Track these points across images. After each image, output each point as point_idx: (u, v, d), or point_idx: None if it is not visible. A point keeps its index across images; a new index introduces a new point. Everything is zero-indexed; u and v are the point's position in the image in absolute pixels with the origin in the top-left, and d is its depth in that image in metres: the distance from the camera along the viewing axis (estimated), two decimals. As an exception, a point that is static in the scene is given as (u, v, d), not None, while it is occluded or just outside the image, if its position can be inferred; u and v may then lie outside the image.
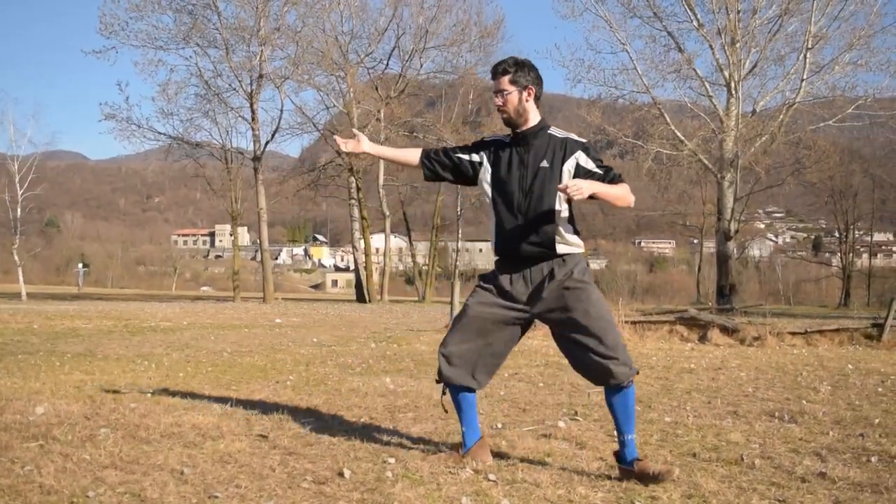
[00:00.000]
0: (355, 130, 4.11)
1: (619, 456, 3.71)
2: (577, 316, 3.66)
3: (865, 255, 59.42)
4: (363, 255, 37.25)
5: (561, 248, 3.75)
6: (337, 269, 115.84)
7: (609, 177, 3.74)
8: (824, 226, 76.09)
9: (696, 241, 66.01)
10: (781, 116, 26.55)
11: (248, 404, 5.50)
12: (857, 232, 52.87)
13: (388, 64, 38.70)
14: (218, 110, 35.20)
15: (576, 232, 3.84)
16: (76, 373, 7.14)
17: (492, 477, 3.62)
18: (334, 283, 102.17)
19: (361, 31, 37.88)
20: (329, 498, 3.30)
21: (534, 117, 3.82)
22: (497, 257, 3.92)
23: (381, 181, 38.42)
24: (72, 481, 3.43)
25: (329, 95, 37.61)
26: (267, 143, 35.72)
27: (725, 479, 3.67)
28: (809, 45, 25.61)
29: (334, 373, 7.62)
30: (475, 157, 3.95)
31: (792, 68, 26.77)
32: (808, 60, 25.78)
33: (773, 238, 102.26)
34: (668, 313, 13.75)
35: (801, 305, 45.53)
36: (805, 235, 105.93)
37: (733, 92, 26.51)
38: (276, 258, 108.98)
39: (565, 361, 7.12)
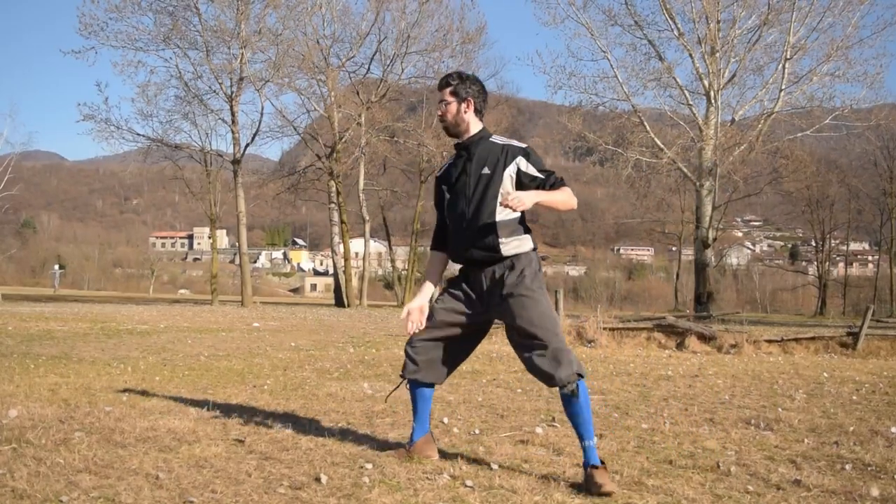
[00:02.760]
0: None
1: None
2: (522, 323, 3.77)
3: (841, 265, 59.99)
4: (342, 260, 37.11)
5: (506, 250, 3.86)
6: (316, 273, 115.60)
7: (550, 181, 3.85)
8: (801, 235, 76.74)
9: (674, 249, 66.42)
10: (760, 126, 26.75)
11: (225, 408, 5.47)
12: (833, 241, 53.33)
13: (369, 68, 38.62)
14: (198, 112, 34.98)
15: (526, 231, 3.95)
16: (51, 375, 7.08)
17: (469, 483, 3.61)
18: (313, 287, 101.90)
19: (343, 35, 37.81)
20: (305, 503, 3.29)
21: (474, 127, 4.00)
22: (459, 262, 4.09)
23: (361, 185, 38.33)
24: (45, 485, 3.39)
25: (310, 99, 37.48)
26: (247, 145, 35.54)
27: (701, 486, 3.69)
28: (788, 56, 25.84)
29: (312, 377, 7.59)
30: (442, 194, 4.13)
31: (771, 78, 27.01)
32: (786, 71, 26.02)
33: (751, 246, 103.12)
34: (646, 320, 13.82)
35: (777, 314, 45.87)
36: (782, 244, 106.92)
37: (713, 101, 26.68)
38: (255, 262, 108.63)
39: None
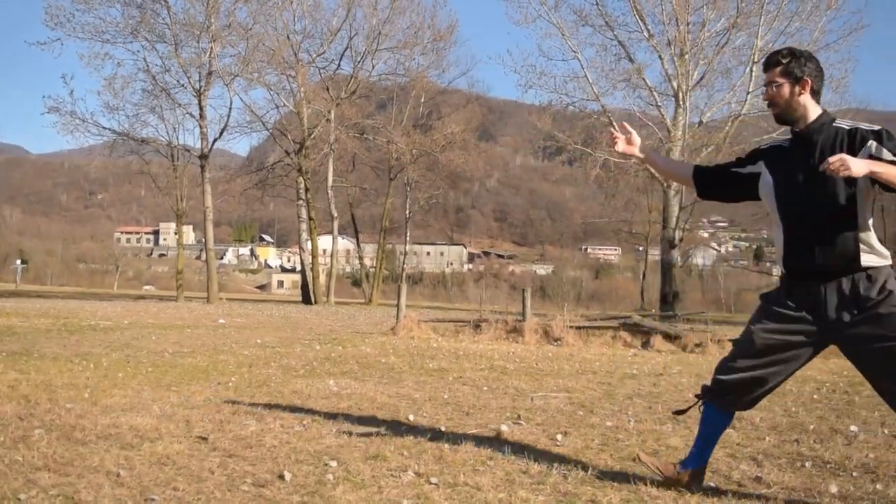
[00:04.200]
0: (629, 126, 3.81)
1: None
2: (886, 351, 3.15)
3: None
4: (310, 257, 36.99)
5: (866, 260, 3.22)
6: (283, 269, 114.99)
7: None
8: (766, 236, 77.65)
9: (641, 249, 66.81)
10: (727, 128, 27.01)
11: (189, 406, 5.42)
12: (797, 243, 54.02)
13: (339, 64, 38.53)
14: (165, 106, 34.66)
15: (878, 238, 3.33)
16: (11, 372, 6.97)
17: (433, 480, 3.61)
18: (280, 283, 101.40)
19: (314, 31, 37.69)
20: (269, 501, 3.27)
21: (813, 112, 3.38)
22: (784, 272, 3.46)
23: (329, 182, 38.21)
24: (3, 483, 3.34)
25: (279, 94, 37.31)
26: (215, 140, 35.28)
27: (664, 483, 3.71)
28: (756, 59, 26.08)
29: (277, 374, 7.55)
30: (752, 169, 3.57)
31: (738, 81, 27.26)
32: (754, 74, 26.27)
33: (717, 247, 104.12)
34: (612, 319, 13.90)
35: (741, 314, 46.29)
36: (747, 245, 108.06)
37: (681, 102, 26.90)
38: (222, 258, 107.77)
39: (510, 366, 7.13)
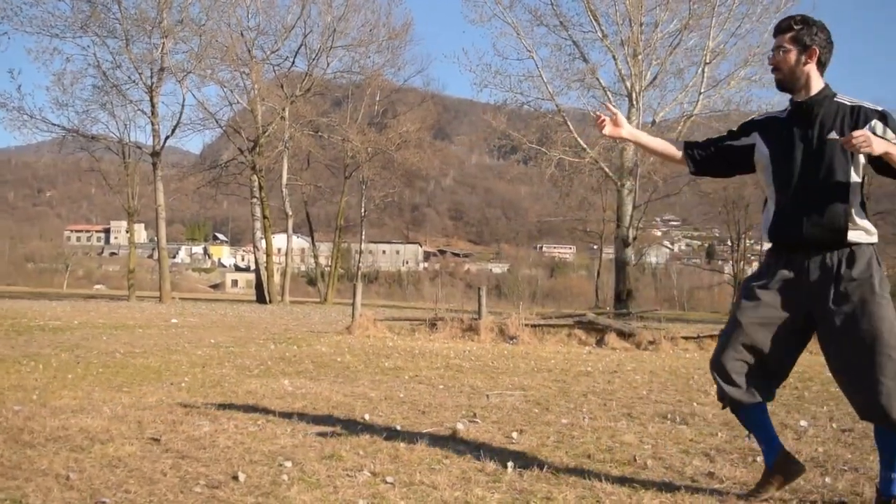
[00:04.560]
0: (615, 109, 3.75)
1: (883, 490, 3.24)
2: (864, 337, 3.11)
3: (756, 264, 61.58)
4: (264, 255, 36.70)
5: (852, 235, 3.21)
6: (237, 268, 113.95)
7: None
8: (718, 234, 78.62)
9: (595, 247, 67.41)
10: (680, 128, 27.36)
11: (141, 407, 5.35)
12: (748, 241, 54.82)
13: (294, 62, 38.27)
14: (116, 103, 34.09)
15: (867, 217, 3.30)
16: (-44, 373, 6.82)
17: (389, 479, 3.60)
18: (234, 283, 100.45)
19: (268, 28, 37.38)
20: (222, 502, 3.23)
21: (816, 84, 3.32)
22: (770, 245, 3.45)
23: (284, 180, 37.96)
24: (-53, 487, 3.26)
25: (233, 92, 36.97)
26: (167, 138, 34.78)
27: (619, 479, 3.74)
28: (707, 60, 26.49)
29: (231, 374, 7.48)
30: (746, 141, 3.53)
31: (690, 81, 27.64)
32: (705, 75, 26.67)
33: (670, 246, 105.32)
34: (567, 317, 13.99)
35: (694, 311, 47.04)
36: (699, 243, 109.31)
37: (634, 102, 27.18)
38: (174, 257, 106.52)
39: (466, 364, 7.14)
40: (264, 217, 36.76)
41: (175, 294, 41.42)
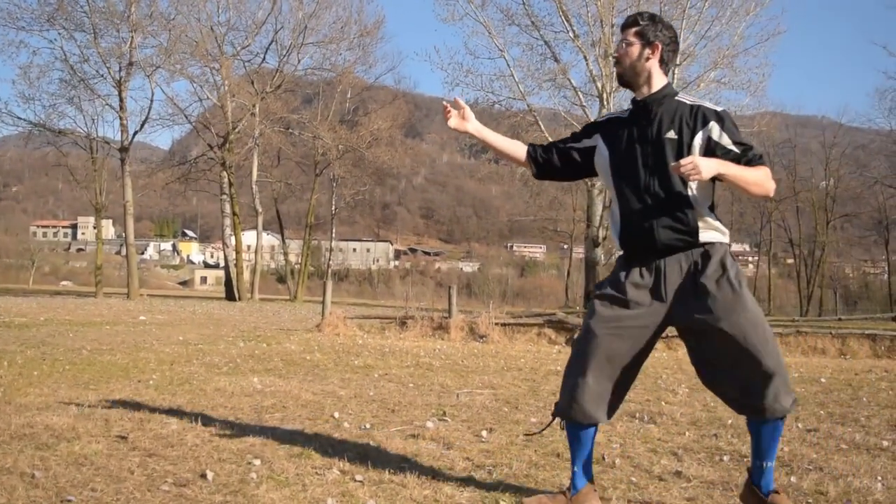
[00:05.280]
0: (462, 102, 3.57)
1: (753, 483, 3.23)
2: (728, 329, 3.00)
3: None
4: (234, 252, 36.49)
5: (704, 235, 3.10)
6: (206, 265, 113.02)
7: (746, 157, 3.04)
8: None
9: (565, 247, 67.65)
10: (649, 129, 27.53)
11: (108, 404, 5.30)
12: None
13: (264, 58, 38.13)
14: (84, 97, 33.76)
15: (717, 217, 3.20)
16: (-82, 369, 6.72)
17: (358, 477, 3.60)
18: (203, 280, 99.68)
19: (238, 23, 37.21)
20: (190, 501, 3.21)
21: (658, 82, 3.23)
22: (622, 251, 3.29)
23: (254, 177, 37.77)
24: None
25: (203, 87, 36.73)
26: (135, 133, 34.50)
27: (587, 478, 3.76)
28: (677, 62, 26.66)
29: (200, 372, 7.43)
30: (588, 143, 3.39)
31: (660, 83, 27.80)
32: (675, 76, 26.84)
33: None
34: (537, 316, 14.04)
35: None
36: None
37: (605, 103, 27.29)
38: (143, 253, 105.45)
39: (436, 362, 7.14)
40: (234, 214, 36.56)
41: (143, 291, 41.04)
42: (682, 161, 2.89)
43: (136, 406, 5.30)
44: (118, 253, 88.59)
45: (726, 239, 3.16)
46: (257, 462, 3.81)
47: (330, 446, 4.25)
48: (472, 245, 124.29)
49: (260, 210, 39.00)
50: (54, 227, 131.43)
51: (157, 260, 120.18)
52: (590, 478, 3.32)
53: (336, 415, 5.25)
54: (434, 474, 3.75)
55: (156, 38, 33.50)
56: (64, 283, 78.92)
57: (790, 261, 56.57)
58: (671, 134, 3.10)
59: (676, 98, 3.19)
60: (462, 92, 31.82)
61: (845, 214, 48.78)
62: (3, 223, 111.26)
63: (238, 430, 4.65)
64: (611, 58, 3.46)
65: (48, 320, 14.64)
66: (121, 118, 33.72)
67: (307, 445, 4.25)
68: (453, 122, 3.53)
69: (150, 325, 14.34)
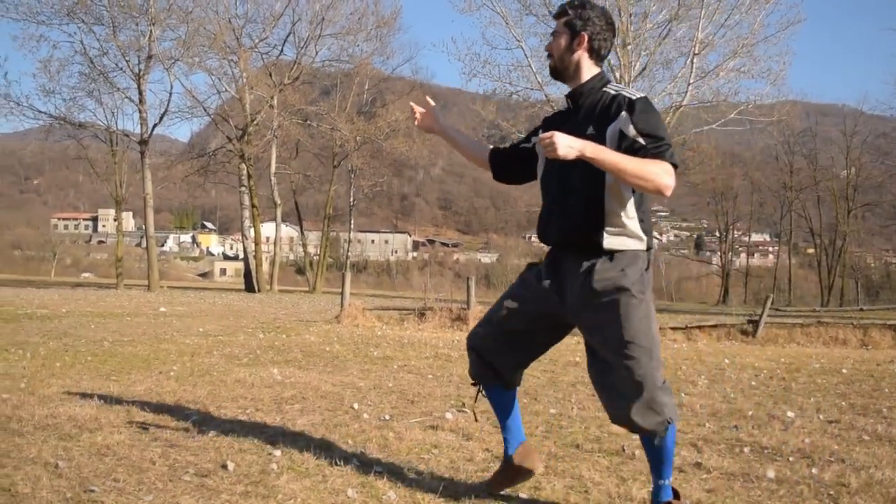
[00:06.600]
0: (432, 102, 3.56)
1: (651, 496, 3.17)
2: (605, 335, 2.98)
3: (743, 255, 62.01)
4: (253, 244, 36.62)
5: (610, 240, 2.96)
6: (226, 257, 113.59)
7: (652, 150, 2.82)
8: (706, 225, 78.98)
9: (584, 238, 67.37)
10: (668, 118, 27.32)
11: (129, 395, 5.34)
12: (736, 232, 55.09)
13: (282, 50, 38.16)
14: (103, 90, 33.90)
15: (641, 221, 3.03)
16: (-57, 361, 6.79)
17: (378, 468, 3.61)
18: (223, 271, 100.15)
19: (256, 16, 37.26)
20: (211, 491, 3.23)
21: (587, 72, 3.10)
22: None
23: (272, 169, 37.85)
24: (-65, 475, 3.26)
25: (221, 80, 36.81)
26: (154, 126, 34.60)
27: (607, 469, 3.76)
28: (696, 51, 26.47)
29: (220, 363, 7.47)
30: (533, 140, 3.33)
31: (679, 72, 27.60)
32: (694, 65, 26.65)
33: (658, 236, 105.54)
34: (556, 307, 14.00)
35: (682, 302, 47.14)
36: (688, 234, 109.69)
37: (623, 92, 27.13)
38: (163, 245, 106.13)
39: (455, 353, 7.14)
40: (253, 206, 36.67)
41: (163, 282, 41.32)
42: (542, 135, 2.77)
43: (158, 397, 5.33)
44: (138, 245, 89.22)
45: (641, 245, 3.01)
46: (277, 453, 3.83)
47: (349, 437, 4.27)
48: (490, 236, 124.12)
49: (278, 202, 39.10)
50: (75, 219, 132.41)
51: (177, 252, 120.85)
52: (521, 440, 3.37)
53: (355, 406, 5.26)
54: (453, 465, 3.75)
55: (174, 31, 33.62)
56: (85, 274, 79.56)
57: (811, 251, 56.11)
58: (590, 130, 2.93)
59: (603, 89, 3.05)
60: (480, 82, 31.64)
61: (867, 203, 48.29)
62: (24, 216, 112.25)
63: (258, 420, 4.67)
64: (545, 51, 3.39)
65: (70, 312, 14.75)
66: (140, 111, 33.86)
67: (327, 436, 4.27)
68: (423, 121, 3.55)
69: (170, 317, 14.43)
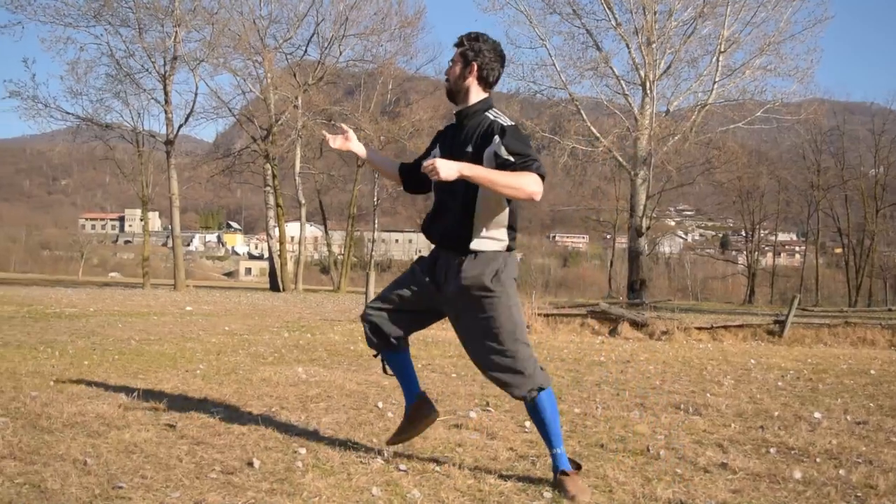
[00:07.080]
0: (345, 126, 3.99)
1: (553, 466, 3.51)
2: (479, 321, 3.49)
3: (770, 255, 61.38)
4: (278, 244, 36.77)
5: (476, 242, 3.47)
6: (251, 256, 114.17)
7: (519, 166, 3.28)
8: (732, 225, 78.26)
9: (608, 237, 67.14)
10: (694, 117, 27.18)
11: (156, 393, 5.38)
12: (762, 231, 54.55)
13: (306, 50, 38.26)
14: (129, 91, 34.13)
15: (510, 227, 3.55)
16: (-26, 359, 6.87)
17: (402, 467, 3.62)
18: (248, 271, 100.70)
19: (280, 16, 37.36)
20: (237, 488, 3.26)
21: (475, 97, 3.58)
22: None
23: (297, 169, 37.98)
24: (-34, 471, 3.30)
25: (245, 80, 36.98)
26: (180, 126, 34.84)
27: (631, 469, 3.75)
28: (722, 49, 26.29)
29: (246, 362, 7.51)
30: (434, 152, 3.70)
31: (705, 70, 27.44)
32: (720, 63, 26.48)
33: (683, 235, 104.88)
34: (580, 307, 13.98)
35: (708, 301, 46.75)
36: (713, 234, 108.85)
37: (648, 91, 27.01)
38: (188, 245, 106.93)
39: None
40: (277, 205, 36.82)
41: (189, 282, 41.61)
42: (425, 162, 3.24)
43: (184, 395, 5.38)
44: (164, 244, 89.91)
45: (500, 247, 3.51)
46: (303, 451, 3.85)
47: (374, 435, 4.28)
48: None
49: (303, 201, 39.24)
50: (102, 219, 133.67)
51: (203, 251, 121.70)
52: (416, 391, 3.92)
53: (380, 404, 5.28)
54: (477, 464, 3.76)
55: (199, 32, 33.79)
56: (112, 274, 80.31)
57: (838, 250, 55.44)
58: (469, 148, 3.46)
59: (485, 113, 3.53)
60: (504, 82, 31.64)
61: (893, 204, 47.70)
62: (52, 216, 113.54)
63: (284, 419, 4.70)
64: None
65: (97, 311, 14.90)
66: (166, 112, 34.11)
67: (351, 434, 4.29)
68: (336, 142, 3.92)
69: (196, 316, 14.53)
